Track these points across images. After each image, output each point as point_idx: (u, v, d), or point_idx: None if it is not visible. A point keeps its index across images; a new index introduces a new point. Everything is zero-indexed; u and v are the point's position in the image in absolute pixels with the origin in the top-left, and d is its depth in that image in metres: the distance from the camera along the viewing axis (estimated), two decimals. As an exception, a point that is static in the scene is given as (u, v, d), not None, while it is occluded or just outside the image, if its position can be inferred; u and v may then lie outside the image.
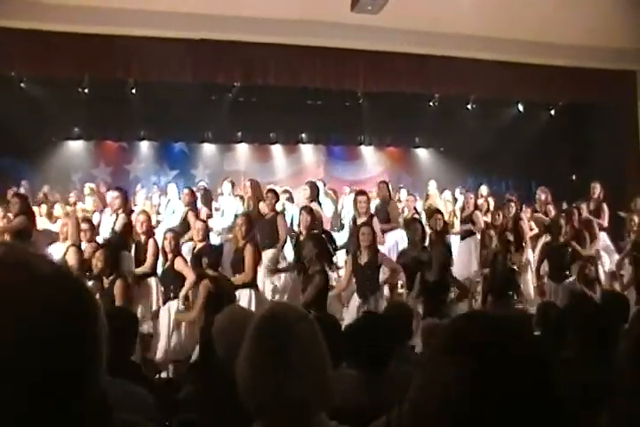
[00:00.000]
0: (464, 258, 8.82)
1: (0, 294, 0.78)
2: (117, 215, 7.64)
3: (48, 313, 0.79)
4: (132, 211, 8.11)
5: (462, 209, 9.80)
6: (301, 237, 7.50)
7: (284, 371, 1.57)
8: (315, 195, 9.06)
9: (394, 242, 8.57)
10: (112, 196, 8.01)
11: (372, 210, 8.51)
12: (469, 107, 13.14)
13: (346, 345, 2.83)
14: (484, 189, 11.01)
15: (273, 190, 8.89)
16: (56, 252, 7.45)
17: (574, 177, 13.18)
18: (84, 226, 7.47)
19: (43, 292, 0.79)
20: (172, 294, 6.64)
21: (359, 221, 7.81)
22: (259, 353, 1.60)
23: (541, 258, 8.12)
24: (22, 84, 10.98)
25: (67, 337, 0.80)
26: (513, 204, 9.44)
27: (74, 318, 0.81)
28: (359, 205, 8.10)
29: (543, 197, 9.95)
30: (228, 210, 9.56)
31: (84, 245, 7.27)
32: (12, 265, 0.81)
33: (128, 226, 7.45)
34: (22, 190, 11.17)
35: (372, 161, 14.90)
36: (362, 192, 8.52)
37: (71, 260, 6.82)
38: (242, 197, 9.82)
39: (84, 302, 0.84)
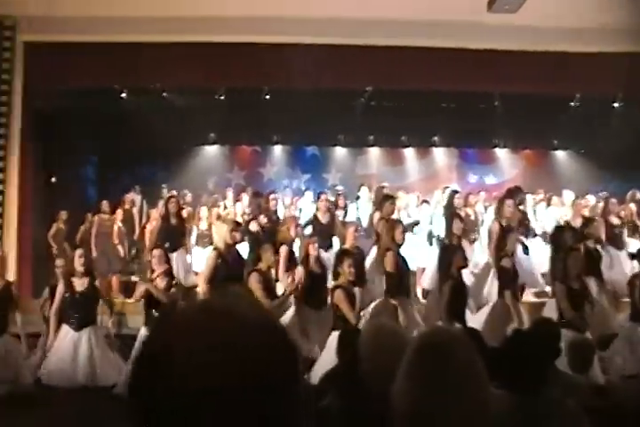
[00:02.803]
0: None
1: (208, 341, 0.80)
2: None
3: (255, 359, 0.80)
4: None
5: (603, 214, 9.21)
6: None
7: (445, 394, 1.52)
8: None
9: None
10: (271, 198, 8.36)
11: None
12: (615, 105, 12.38)
13: (494, 364, 2.71)
14: (637, 194, 10.23)
15: (391, 196, 8.79)
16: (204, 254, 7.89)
17: None
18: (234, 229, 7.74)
19: (249, 339, 0.81)
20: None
21: (505, 226, 7.66)
22: (419, 376, 1.56)
23: None
24: (165, 94, 11.50)
25: (272, 382, 0.81)
26: None
27: (278, 365, 0.82)
28: (505, 210, 7.91)
29: None
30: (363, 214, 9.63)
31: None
32: (219, 312, 0.83)
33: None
34: (164, 194, 11.78)
35: (506, 164, 14.46)
36: (508, 197, 8.35)
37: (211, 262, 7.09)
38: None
39: (286, 349, 0.85)
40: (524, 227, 8.63)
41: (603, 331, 6.86)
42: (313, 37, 9.72)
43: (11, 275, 8.18)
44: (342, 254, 6.72)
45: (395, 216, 8.34)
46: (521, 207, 8.89)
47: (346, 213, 10.00)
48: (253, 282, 6.53)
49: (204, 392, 0.77)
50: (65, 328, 6.44)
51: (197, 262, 9.18)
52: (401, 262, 7.10)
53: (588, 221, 8.09)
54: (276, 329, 0.86)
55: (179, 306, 0.92)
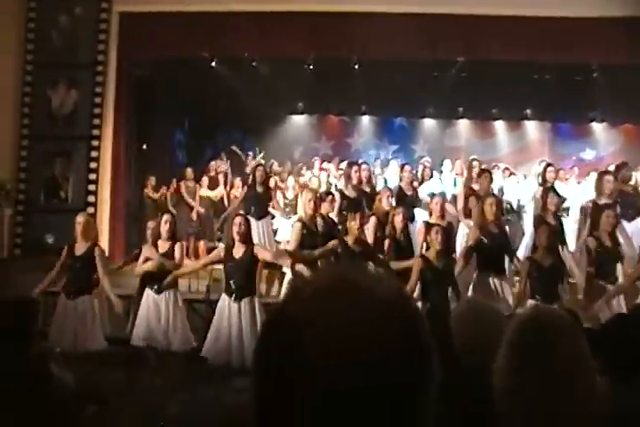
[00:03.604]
0: None
1: (337, 318, 0.78)
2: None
3: (386, 340, 0.78)
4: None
5: None
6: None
7: (551, 378, 1.46)
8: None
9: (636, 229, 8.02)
10: (363, 168, 8.47)
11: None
12: None
13: (593, 347, 2.61)
14: None
15: (487, 171, 8.56)
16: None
17: None
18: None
19: (382, 318, 0.78)
20: None
21: (601, 203, 7.36)
22: (520, 361, 1.50)
23: None
24: (254, 64, 11.53)
25: (399, 366, 0.78)
26: None
27: (408, 348, 0.79)
28: (605, 186, 7.61)
29: None
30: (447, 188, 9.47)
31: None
32: (351, 289, 0.80)
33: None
34: (248, 161, 11.93)
35: (603, 139, 13.84)
36: (607, 172, 8.00)
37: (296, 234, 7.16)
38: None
39: (418, 331, 0.82)
40: (629, 205, 8.23)
41: None
42: (405, 6, 9.52)
43: (104, 239, 8.50)
44: (429, 225, 6.65)
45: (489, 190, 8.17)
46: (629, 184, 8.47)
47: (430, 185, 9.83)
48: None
49: (331, 368, 0.75)
50: (148, 291, 6.60)
51: (282, 231, 9.28)
52: (493, 238, 6.92)
53: None
54: (411, 312, 0.83)
55: (311, 279, 0.90)
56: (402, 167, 9.34)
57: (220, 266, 6.71)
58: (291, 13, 9.47)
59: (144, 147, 11.54)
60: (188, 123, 13.68)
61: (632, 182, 8.70)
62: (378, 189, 8.95)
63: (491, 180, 8.25)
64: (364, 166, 8.79)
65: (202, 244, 10.02)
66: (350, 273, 0.84)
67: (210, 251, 9.54)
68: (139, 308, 6.58)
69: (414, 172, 9.77)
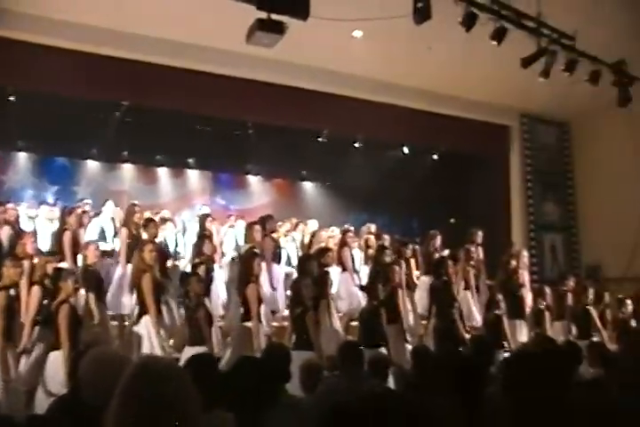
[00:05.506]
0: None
1: None
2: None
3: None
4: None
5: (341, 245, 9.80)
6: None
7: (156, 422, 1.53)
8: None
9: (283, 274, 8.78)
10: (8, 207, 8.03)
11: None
12: (356, 145, 13.49)
13: (224, 388, 2.79)
14: (372, 227, 11.16)
15: (152, 220, 8.65)
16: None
17: (453, 220, 13.70)
18: None
19: None
20: None
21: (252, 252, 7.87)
22: (128, 411, 1.56)
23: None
24: None
25: None
26: (411, 245, 9.69)
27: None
28: (255, 235, 8.13)
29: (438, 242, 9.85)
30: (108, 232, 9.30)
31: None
32: None
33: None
34: None
35: (258, 191, 14.89)
36: (256, 222, 8.57)
37: None
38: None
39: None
40: (274, 254, 8.89)
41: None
42: (71, 43, 9.31)
43: None
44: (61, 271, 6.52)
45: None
46: (273, 235, 9.10)
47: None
48: None
49: None
50: None
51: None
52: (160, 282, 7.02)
53: (324, 251, 8.54)
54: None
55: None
56: (70, 211, 8.96)
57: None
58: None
59: None
60: None
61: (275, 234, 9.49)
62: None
63: (156, 228, 8.33)
64: (8, 205, 8.27)
65: None
66: None
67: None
68: None
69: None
